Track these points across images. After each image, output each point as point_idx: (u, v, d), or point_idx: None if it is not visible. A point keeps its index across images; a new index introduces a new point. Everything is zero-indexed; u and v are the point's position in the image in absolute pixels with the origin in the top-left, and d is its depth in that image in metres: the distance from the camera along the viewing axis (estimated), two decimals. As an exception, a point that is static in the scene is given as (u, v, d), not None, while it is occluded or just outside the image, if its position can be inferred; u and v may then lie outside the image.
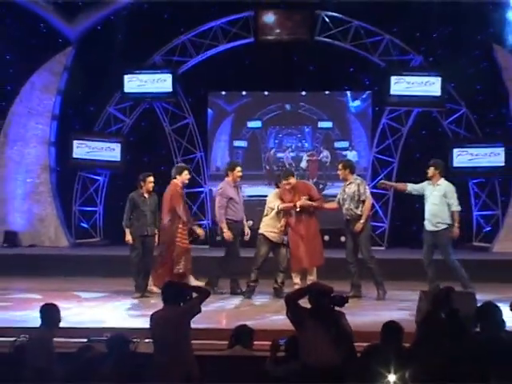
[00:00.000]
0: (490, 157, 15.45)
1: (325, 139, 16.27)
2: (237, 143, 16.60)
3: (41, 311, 6.87)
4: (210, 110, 16.59)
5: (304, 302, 6.36)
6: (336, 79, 16.35)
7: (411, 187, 11.30)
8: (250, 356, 6.53)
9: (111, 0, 15.91)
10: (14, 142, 16.08)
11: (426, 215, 10.97)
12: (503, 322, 6.24)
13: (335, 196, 11.33)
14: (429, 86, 15.39)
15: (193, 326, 6.63)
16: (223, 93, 16.68)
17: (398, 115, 15.95)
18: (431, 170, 11.16)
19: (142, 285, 10.96)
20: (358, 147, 16.16)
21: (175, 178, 11.12)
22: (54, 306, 6.91)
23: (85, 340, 7.63)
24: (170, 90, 15.88)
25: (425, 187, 11.20)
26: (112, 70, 15.71)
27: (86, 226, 16.46)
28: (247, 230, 11.18)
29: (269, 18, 15.64)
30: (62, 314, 9.21)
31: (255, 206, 13.71)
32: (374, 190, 14.10)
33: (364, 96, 16.39)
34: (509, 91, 15.41)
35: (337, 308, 6.37)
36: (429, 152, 15.86)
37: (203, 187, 16.48)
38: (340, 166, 10.97)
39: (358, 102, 16.40)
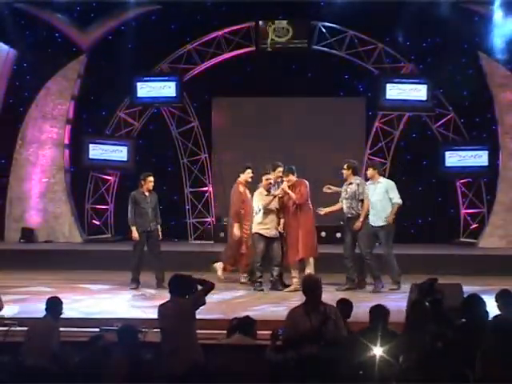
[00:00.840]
0: (476, 158, 15.47)
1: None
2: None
3: (47, 303, 6.94)
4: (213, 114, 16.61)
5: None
6: (332, 86, 16.33)
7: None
8: (251, 345, 6.53)
9: (122, 12, 15.90)
10: (31, 145, 16.05)
11: (373, 212, 10.84)
12: (486, 312, 6.24)
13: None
14: (418, 92, 15.40)
15: (198, 316, 6.62)
16: (226, 98, 16.66)
17: (390, 119, 15.94)
18: (370, 171, 11.08)
19: (138, 278, 11.02)
20: (352, 149, 16.13)
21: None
22: (58, 298, 7.08)
23: (97, 329, 7.64)
24: (177, 95, 15.88)
25: (369, 188, 11.06)
26: (122, 76, 15.71)
27: (97, 223, 16.45)
28: None
29: (269, 28, 15.62)
30: (75, 305, 9.28)
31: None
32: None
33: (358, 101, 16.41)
34: (493, 96, 15.39)
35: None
36: (419, 154, 15.96)
37: (207, 187, 16.47)
38: (345, 166, 10.86)
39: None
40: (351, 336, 6.20)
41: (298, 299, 6.43)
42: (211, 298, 7.17)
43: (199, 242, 15.94)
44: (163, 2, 15.70)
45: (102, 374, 5.84)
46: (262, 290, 10.70)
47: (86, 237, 16.00)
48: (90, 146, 16.07)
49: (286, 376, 6.00)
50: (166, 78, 16.07)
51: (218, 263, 11.18)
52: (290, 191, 10.65)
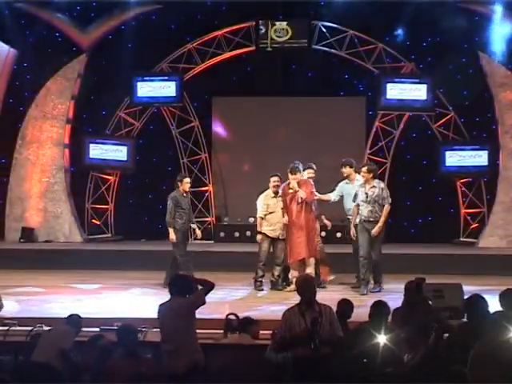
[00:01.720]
0: (476, 158, 15.47)
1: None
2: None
3: (67, 319, 7.04)
4: (213, 114, 16.63)
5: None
6: (332, 85, 16.35)
7: (334, 196, 11.02)
8: (251, 344, 6.52)
9: (122, 11, 15.90)
10: (31, 144, 16.06)
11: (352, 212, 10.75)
12: (488, 312, 6.24)
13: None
14: (419, 91, 15.41)
15: (198, 316, 6.62)
16: (226, 98, 16.68)
17: (391, 119, 15.94)
18: (347, 170, 10.92)
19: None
20: (352, 148, 16.13)
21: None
22: (78, 316, 7.16)
23: (97, 329, 7.64)
24: (177, 95, 15.89)
25: (343, 187, 11.00)
26: (122, 76, 15.72)
27: (98, 222, 16.45)
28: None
29: (269, 28, 15.62)
30: (75, 304, 9.27)
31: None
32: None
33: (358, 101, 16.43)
34: (493, 96, 15.40)
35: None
36: (419, 154, 15.96)
37: (207, 186, 16.48)
38: (364, 170, 10.60)
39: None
40: (351, 331, 6.20)
41: (298, 299, 6.41)
42: (212, 297, 7.16)
43: (199, 241, 15.91)
44: (163, 2, 15.70)
45: (103, 374, 5.84)
46: (262, 290, 10.70)
47: (86, 236, 16.00)
48: (90, 145, 16.08)
49: (285, 376, 6.01)
50: (166, 78, 16.08)
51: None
52: (299, 189, 10.59)
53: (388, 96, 15.49)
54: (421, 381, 5.34)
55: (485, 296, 6.36)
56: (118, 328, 6.49)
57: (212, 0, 15.82)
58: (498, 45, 15.12)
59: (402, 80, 15.59)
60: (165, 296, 6.83)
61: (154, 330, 7.14)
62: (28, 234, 15.66)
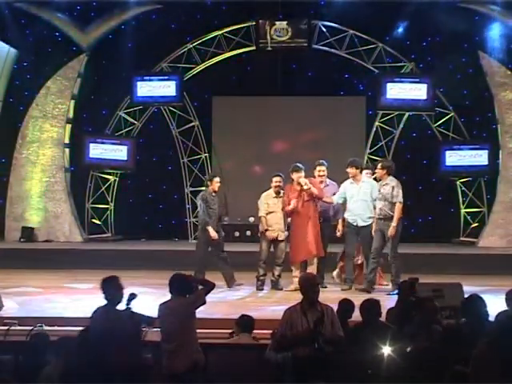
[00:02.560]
0: (476, 157, 15.47)
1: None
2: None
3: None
4: (213, 114, 16.63)
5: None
6: (332, 85, 16.35)
7: (337, 198, 10.89)
8: (251, 344, 6.52)
9: (122, 11, 15.90)
10: (31, 144, 16.06)
11: (355, 212, 10.70)
12: (486, 312, 6.24)
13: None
14: (419, 91, 15.41)
15: (198, 315, 6.62)
16: (226, 97, 16.68)
17: (390, 118, 15.94)
18: (353, 170, 10.79)
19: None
20: (352, 148, 16.13)
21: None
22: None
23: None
24: (177, 94, 15.89)
25: (346, 188, 10.86)
26: (122, 76, 15.74)
27: (98, 222, 16.45)
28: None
29: (269, 27, 15.62)
30: (75, 304, 9.27)
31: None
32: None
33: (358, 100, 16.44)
34: (494, 96, 15.40)
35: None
36: (419, 153, 15.97)
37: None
38: (379, 166, 10.60)
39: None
40: (350, 334, 6.20)
41: (298, 299, 6.41)
42: (212, 297, 7.16)
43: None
44: (163, 2, 15.70)
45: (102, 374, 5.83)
46: (263, 289, 10.68)
47: (86, 236, 16.01)
48: (90, 145, 16.07)
49: (285, 376, 6.00)
50: (166, 78, 16.07)
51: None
52: (311, 186, 10.56)
53: (388, 96, 15.48)
54: (421, 381, 5.34)
55: (485, 296, 6.36)
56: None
57: (212, 0, 15.83)
58: (498, 44, 15.13)
59: (402, 80, 15.58)
60: (165, 296, 6.83)
61: (154, 329, 7.13)
62: (28, 233, 15.66)
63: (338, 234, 11.05)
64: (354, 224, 10.71)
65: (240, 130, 16.66)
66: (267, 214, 10.73)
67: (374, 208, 10.54)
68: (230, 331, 6.98)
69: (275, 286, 10.72)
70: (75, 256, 13.74)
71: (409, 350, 5.68)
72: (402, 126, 15.95)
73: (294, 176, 10.59)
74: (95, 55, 16.18)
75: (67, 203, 15.99)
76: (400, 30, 15.47)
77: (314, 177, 10.89)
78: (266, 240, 10.75)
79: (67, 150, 16.21)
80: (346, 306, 6.76)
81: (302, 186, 10.47)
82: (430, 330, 6.07)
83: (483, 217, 15.58)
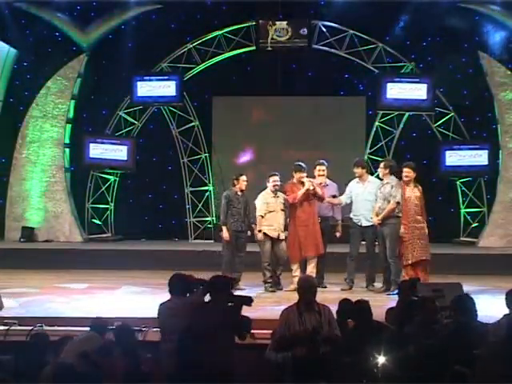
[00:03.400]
0: (476, 157, 15.47)
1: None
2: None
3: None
4: (213, 114, 16.63)
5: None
6: (332, 85, 16.35)
7: (344, 199, 10.89)
8: (251, 344, 6.52)
9: (122, 11, 15.91)
10: (31, 144, 16.06)
11: (359, 211, 10.71)
12: (476, 312, 6.24)
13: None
14: (419, 91, 15.41)
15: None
16: (226, 97, 16.68)
17: (391, 118, 15.94)
18: (360, 170, 10.79)
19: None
20: (352, 148, 16.13)
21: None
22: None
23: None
24: (177, 94, 15.89)
25: (352, 187, 10.87)
26: (122, 76, 15.75)
27: (98, 222, 16.45)
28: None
29: (269, 27, 15.62)
30: (75, 304, 9.27)
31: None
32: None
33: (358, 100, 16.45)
34: (494, 96, 15.41)
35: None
36: (419, 153, 15.95)
37: (207, 186, 16.48)
38: (381, 165, 10.61)
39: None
40: (347, 335, 6.21)
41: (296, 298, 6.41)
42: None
43: (199, 241, 15.95)
44: (163, 2, 15.70)
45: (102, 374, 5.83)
46: (274, 291, 10.51)
47: (86, 236, 16.01)
48: (90, 145, 16.08)
49: (285, 376, 6.01)
50: (166, 78, 16.08)
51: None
52: (316, 186, 10.55)
53: (388, 95, 15.48)
54: (421, 381, 5.35)
55: (485, 296, 6.37)
56: (116, 328, 6.48)
57: (212, 0, 15.83)
58: (497, 44, 15.13)
59: (402, 80, 15.59)
60: (165, 296, 6.83)
61: (154, 329, 7.13)
62: (28, 233, 15.66)
63: (338, 234, 11.06)
64: (359, 224, 10.73)
65: (240, 130, 16.66)
66: (267, 213, 10.66)
67: None
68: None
69: (277, 286, 10.67)
70: (75, 256, 13.74)
71: (410, 350, 5.68)
72: (401, 126, 15.95)
73: (297, 175, 10.58)
74: (95, 55, 16.18)
75: (67, 203, 15.99)
76: (400, 30, 15.44)
77: (314, 177, 10.88)
78: (266, 240, 10.68)
79: (67, 150, 16.22)
80: (345, 306, 6.76)
81: (305, 185, 10.46)
82: (431, 330, 6.08)
83: (483, 217, 15.58)
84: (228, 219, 10.81)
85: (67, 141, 16.18)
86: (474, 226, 15.70)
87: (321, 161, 10.99)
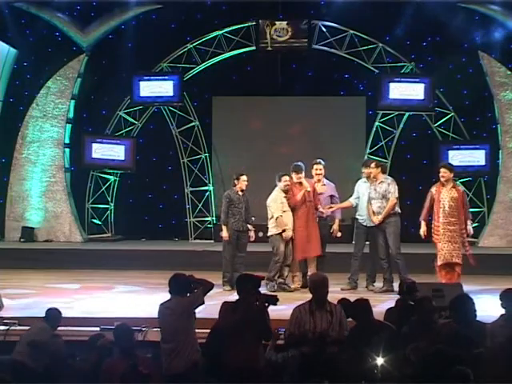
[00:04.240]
0: (477, 157, 15.47)
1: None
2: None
3: (46, 313, 7.16)
4: (213, 114, 16.64)
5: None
6: (332, 85, 16.36)
7: (353, 200, 10.90)
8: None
9: (122, 11, 15.91)
10: (31, 144, 16.05)
11: (364, 212, 10.71)
12: (475, 312, 6.25)
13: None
14: (419, 91, 15.41)
15: (198, 315, 6.62)
16: (226, 97, 16.69)
17: (391, 118, 15.93)
18: (367, 170, 10.75)
19: (232, 279, 10.41)
20: (352, 148, 16.14)
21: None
22: (56, 309, 7.21)
23: (97, 329, 7.64)
24: (177, 94, 15.89)
25: (359, 187, 10.91)
26: (122, 76, 15.75)
27: (98, 222, 16.45)
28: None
29: (269, 27, 15.62)
30: (76, 304, 9.28)
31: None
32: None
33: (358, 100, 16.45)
34: (494, 96, 15.41)
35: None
36: (419, 153, 15.97)
37: (207, 186, 16.48)
38: (372, 165, 10.65)
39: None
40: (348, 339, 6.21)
41: (300, 299, 6.42)
42: (213, 298, 7.17)
43: (199, 241, 15.94)
44: (163, 2, 15.69)
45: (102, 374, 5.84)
46: (290, 290, 10.48)
47: (86, 236, 16.01)
48: (91, 145, 16.07)
49: (286, 376, 6.01)
50: (167, 77, 16.08)
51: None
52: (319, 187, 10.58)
53: (388, 95, 15.49)
54: (421, 380, 5.35)
55: (484, 296, 6.37)
56: (115, 328, 6.49)
57: (212, 0, 15.83)
58: (497, 44, 15.13)
59: (402, 79, 15.59)
60: (164, 295, 6.84)
61: (154, 329, 7.14)
62: (28, 233, 15.65)
63: (339, 234, 11.06)
64: (364, 224, 10.75)
65: (240, 130, 16.66)
66: (282, 212, 10.59)
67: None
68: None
69: (282, 286, 10.64)
70: (75, 256, 13.74)
71: (408, 350, 5.68)
72: (402, 126, 15.95)
73: (295, 176, 10.60)
74: (95, 55, 16.18)
75: (67, 203, 15.99)
76: (400, 30, 15.42)
77: (312, 176, 10.89)
78: (282, 241, 10.60)
79: (67, 150, 16.21)
80: (343, 305, 6.77)
81: (303, 186, 10.49)
82: (427, 329, 6.08)
83: (483, 217, 15.57)
84: (229, 219, 10.82)
85: (67, 141, 16.18)
86: (474, 225, 15.66)
87: (318, 160, 10.99)
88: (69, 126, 16.17)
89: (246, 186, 10.92)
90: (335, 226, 11.03)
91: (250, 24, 15.85)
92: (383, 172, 10.67)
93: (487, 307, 7.72)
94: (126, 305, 9.64)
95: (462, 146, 15.61)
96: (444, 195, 10.16)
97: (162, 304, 6.67)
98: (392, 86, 15.47)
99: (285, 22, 15.63)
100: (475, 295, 6.79)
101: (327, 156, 15.06)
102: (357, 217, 10.94)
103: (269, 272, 10.56)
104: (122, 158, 16.25)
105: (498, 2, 14.96)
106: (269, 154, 16.16)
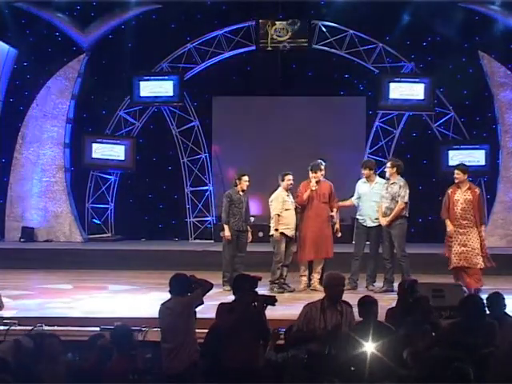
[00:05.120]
0: (476, 157, 15.46)
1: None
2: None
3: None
4: (213, 114, 16.64)
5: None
6: (332, 85, 16.35)
7: (355, 200, 10.90)
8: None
9: (122, 11, 15.91)
10: (31, 144, 16.06)
11: (365, 212, 10.73)
12: (485, 312, 6.25)
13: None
14: (419, 91, 15.41)
15: (198, 315, 6.62)
16: (226, 97, 16.69)
17: (391, 118, 15.93)
18: (367, 171, 10.80)
19: (231, 279, 10.03)
20: (352, 148, 16.13)
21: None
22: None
23: (97, 329, 7.64)
24: (177, 94, 15.89)
25: (359, 187, 10.90)
26: (122, 75, 15.75)
27: (98, 222, 16.45)
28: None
29: (269, 27, 15.62)
30: (76, 304, 9.28)
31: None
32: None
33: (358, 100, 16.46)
34: (494, 95, 15.41)
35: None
36: (419, 153, 15.96)
37: (207, 186, 16.48)
38: (389, 165, 10.65)
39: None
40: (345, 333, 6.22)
41: (301, 299, 6.42)
42: (213, 298, 7.17)
43: (199, 241, 15.94)
44: (163, 2, 15.69)
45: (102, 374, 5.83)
46: (282, 292, 10.40)
47: (86, 236, 16.01)
48: (91, 145, 16.08)
49: (286, 376, 6.00)
50: (166, 77, 16.08)
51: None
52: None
53: (388, 95, 15.49)
54: (421, 380, 5.35)
55: (485, 296, 6.37)
56: (113, 329, 6.48)
57: (212, 0, 15.83)
58: (498, 44, 15.13)
59: (402, 79, 15.59)
60: (164, 295, 6.84)
61: (154, 329, 7.14)
62: (28, 233, 15.65)
63: (339, 234, 11.05)
64: (364, 224, 10.75)
65: (240, 130, 16.66)
66: (283, 211, 10.57)
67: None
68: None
69: (282, 286, 10.63)
70: (75, 256, 13.74)
71: (406, 354, 5.68)
72: (402, 125, 15.95)
73: (310, 175, 10.58)
74: (95, 55, 16.18)
75: (67, 203, 15.99)
76: (400, 29, 15.43)
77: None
78: (283, 240, 10.58)
79: (67, 150, 16.21)
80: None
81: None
82: (424, 330, 6.08)
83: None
84: (229, 219, 10.83)
85: (67, 141, 16.17)
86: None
87: (318, 161, 10.98)
88: (69, 126, 16.17)
89: (247, 186, 10.93)
90: (337, 226, 11.02)
91: (250, 24, 15.85)
92: (398, 172, 10.60)
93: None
94: (126, 305, 9.64)
95: (461, 146, 15.61)
96: (458, 197, 10.16)
97: (162, 304, 6.67)
98: (392, 86, 15.47)
99: (285, 22, 15.62)
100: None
101: (327, 156, 15.08)
102: (357, 217, 10.95)
103: (272, 274, 10.54)
104: (122, 158, 16.25)
105: (498, 2, 14.95)
106: (269, 153, 16.15)
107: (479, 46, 15.31)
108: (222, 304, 6.52)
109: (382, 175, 11.16)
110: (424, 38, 15.89)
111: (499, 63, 15.28)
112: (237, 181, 10.95)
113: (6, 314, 8.51)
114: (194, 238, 16.24)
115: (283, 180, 10.67)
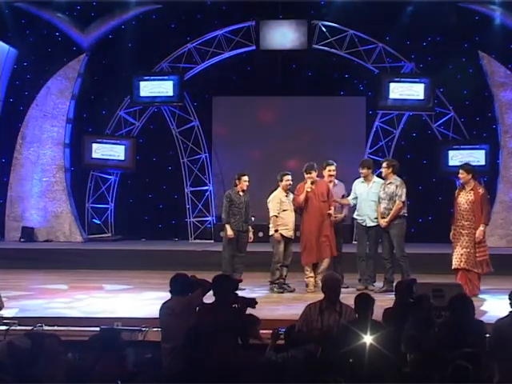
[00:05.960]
0: (476, 157, 15.46)
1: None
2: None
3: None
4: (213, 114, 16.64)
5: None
6: (332, 85, 16.36)
7: (352, 199, 10.87)
8: (251, 344, 6.52)
9: (122, 11, 15.91)
10: (31, 144, 16.06)
11: (363, 212, 10.70)
12: (473, 311, 6.27)
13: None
14: (419, 91, 15.41)
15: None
16: (226, 97, 16.69)
17: (391, 118, 15.94)
18: (365, 171, 10.75)
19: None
20: (352, 148, 16.14)
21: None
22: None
23: (97, 329, 7.62)
24: (177, 94, 15.89)
25: (356, 186, 10.87)
26: (122, 75, 15.76)
27: (98, 222, 16.46)
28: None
29: (269, 27, 15.61)
30: (76, 304, 9.27)
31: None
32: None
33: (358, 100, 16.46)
34: (494, 96, 15.41)
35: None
36: (419, 153, 15.97)
37: (207, 186, 16.48)
38: (384, 165, 10.63)
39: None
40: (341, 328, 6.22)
41: (302, 300, 6.43)
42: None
43: (199, 241, 15.95)
44: (163, 2, 15.70)
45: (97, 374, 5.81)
46: (282, 292, 10.42)
47: (86, 236, 16.01)
48: (91, 145, 16.08)
49: (286, 376, 6.00)
50: (167, 77, 16.08)
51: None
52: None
53: (388, 95, 15.49)
54: (421, 380, 5.35)
55: (484, 296, 6.38)
56: (101, 329, 6.45)
57: (212, 0, 15.84)
58: (498, 44, 15.14)
59: (402, 79, 15.58)
60: (164, 295, 6.84)
61: (154, 329, 7.13)
62: (28, 233, 15.66)
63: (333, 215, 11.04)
64: (363, 224, 10.74)
65: (240, 130, 16.66)
66: (281, 212, 10.55)
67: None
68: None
69: (282, 287, 10.62)
70: (75, 256, 13.73)
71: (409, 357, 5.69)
72: (402, 125, 15.95)
73: (305, 176, 10.55)
74: (95, 55, 16.19)
75: (67, 203, 15.99)
76: (400, 29, 15.42)
77: (323, 176, 10.85)
78: (281, 241, 10.55)
79: (67, 150, 16.22)
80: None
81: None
82: (426, 328, 6.08)
83: (483, 217, 15.55)
84: (230, 219, 10.82)
85: (67, 141, 16.18)
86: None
87: (330, 161, 10.94)
88: (69, 126, 16.18)
89: (246, 186, 10.92)
90: (339, 215, 10.92)
91: (250, 24, 15.85)
92: (394, 172, 10.58)
93: (487, 307, 7.72)
94: (126, 305, 9.63)
95: (461, 146, 15.62)
96: (461, 197, 10.12)
97: (163, 304, 6.67)
98: (392, 85, 15.47)
99: (285, 22, 15.62)
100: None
101: (327, 156, 15.05)
102: (355, 217, 10.93)
103: (271, 275, 10.55)
104: (122, 158, 16.26)
105: (498, 2, 14.96)
106: (269, 153, 16.16)
107: (479, 45, 15.32)
108: (202, 305, 6.51)
109: (382, 176, 11.13)
110: (424, 38, 15.90)
111: (499, 63, 15.30)
112: (236, 181, 10.95)
113: (6, 313, 8.50)
114: (194, 238, 16.24)
115: (282, 180, 10.66)
